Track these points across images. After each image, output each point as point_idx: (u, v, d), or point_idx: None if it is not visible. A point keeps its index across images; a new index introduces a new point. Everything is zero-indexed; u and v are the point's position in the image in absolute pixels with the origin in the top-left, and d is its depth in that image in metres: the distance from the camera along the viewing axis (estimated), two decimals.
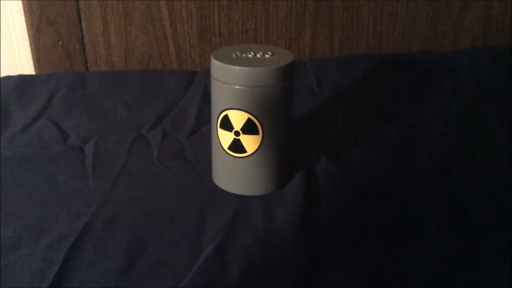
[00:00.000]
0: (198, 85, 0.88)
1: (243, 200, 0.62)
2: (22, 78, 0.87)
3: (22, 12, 0.87)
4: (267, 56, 0.60)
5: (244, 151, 0.61)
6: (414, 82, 0.92)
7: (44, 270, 0.51)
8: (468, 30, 1.01)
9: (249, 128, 0.59)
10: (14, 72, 0.92)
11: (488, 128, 0.79)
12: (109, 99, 0.84)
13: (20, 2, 0.87)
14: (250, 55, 0.60)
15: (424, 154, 0.73)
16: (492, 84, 0.92)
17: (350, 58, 0.96)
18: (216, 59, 0.59)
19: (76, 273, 0.51)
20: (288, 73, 0.59)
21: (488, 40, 1.03)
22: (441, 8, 0.99)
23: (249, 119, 0.59)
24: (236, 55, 0.60)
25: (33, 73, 0.92)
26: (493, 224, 0.59)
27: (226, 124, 0.60)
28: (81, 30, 0.89)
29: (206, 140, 0.66)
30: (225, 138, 0.61)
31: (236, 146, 0.61)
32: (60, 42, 0.89)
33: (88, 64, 0.92)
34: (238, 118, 0.59)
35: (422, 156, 0.72)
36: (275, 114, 0.59)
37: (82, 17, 0.88)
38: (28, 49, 0.90)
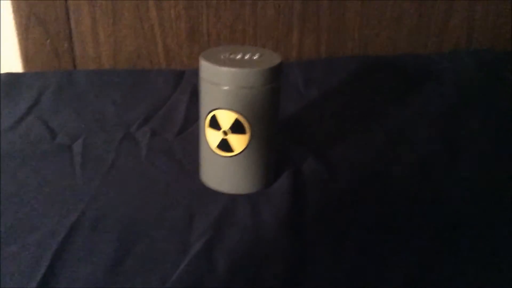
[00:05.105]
0: (186, 84, 0.89)
1: (231, 198, 0.63)
2: (10, 76, 0.87)
3: (10, 10, 0.87)
4: (255, 57, 0.61)
5: (231, 150, 0.62)
6: (398, 83, 0.94)
7: (34, 267, 0.51)
8: (451, 33, 1.03)
9: (236, 128, 0.60)
10: (2, 70, 0.92)
11: (470, 130, 0.81)
12: (98, 97, 0.85)
13: (9, 1, 0.87)
14: (238, 57, 0.61)
15: (408, 154, 0.74)
16: (474, 86, 0.94)
17: (336, 60, 0.97)
18: (205, 60, 0.60)
19: (65, 270, 0.51)
20: (276, 74, 0.60)
21: (471, 43, 1.05)
22: (425, 12, 1.00)
23: (237, 119, 0.60)
24: (224, 56, 0.61)
25: (21, 71, 0.92)
26: (475, 222, 0.60)
27: (214, 124, 0.61)
28: (70, 28, 0.90)
29: (194, 139, 0.66)
30: (213, 137, 0.62)
31: (224, 145, 0.61)
32: (48, 41, 0.90)
33: (76, 63, 0.92)
34: (226, 118, 0.60)
35: (407, 156, 0.74)
36: (263, 114, 0.60)
37: (70, 15, 0.89)
38: (17, 47, 0.90)
